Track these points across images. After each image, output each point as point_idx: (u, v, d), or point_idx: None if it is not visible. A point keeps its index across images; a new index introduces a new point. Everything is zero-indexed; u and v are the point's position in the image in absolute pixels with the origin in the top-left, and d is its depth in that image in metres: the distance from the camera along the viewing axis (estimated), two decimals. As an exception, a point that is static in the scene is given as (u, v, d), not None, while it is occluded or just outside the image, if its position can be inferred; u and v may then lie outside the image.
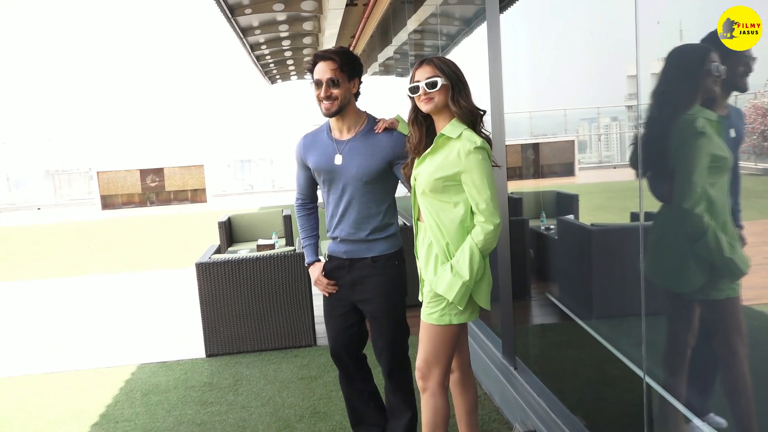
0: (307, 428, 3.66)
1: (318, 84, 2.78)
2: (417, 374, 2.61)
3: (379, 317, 2.90)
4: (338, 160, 2.83)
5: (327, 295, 3.01)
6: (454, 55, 5.44)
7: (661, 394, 2.30)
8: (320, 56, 2.80)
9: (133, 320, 6.40)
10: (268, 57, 12.37)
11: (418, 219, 2.63)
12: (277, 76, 15.72)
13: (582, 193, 3.43)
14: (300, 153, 3.00)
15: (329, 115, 2.81)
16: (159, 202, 20.82)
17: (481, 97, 3.78)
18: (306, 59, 13.22)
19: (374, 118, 2.92)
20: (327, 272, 2.98)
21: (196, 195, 21.02)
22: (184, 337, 5.65)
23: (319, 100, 2.79)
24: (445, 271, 2.45)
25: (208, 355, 5.01)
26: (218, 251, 5.86)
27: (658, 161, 2.21)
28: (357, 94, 2.89)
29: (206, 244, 10.13)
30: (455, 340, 2.56)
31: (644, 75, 2.25)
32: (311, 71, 2.82)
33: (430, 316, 2.54)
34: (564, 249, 3.43)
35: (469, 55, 5.13)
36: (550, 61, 3.60)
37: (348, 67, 2.79)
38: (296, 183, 3.12)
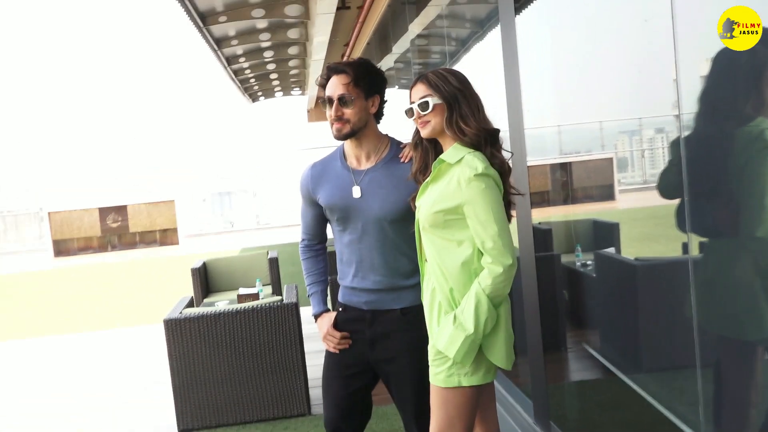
0: None
1: (328, 102, 2.79)
2: (429, 448, 2.58)
3: (405, 380, 2.85)
4: (356, 192, 2.81)
5: (336, 351, 2.97)
6: (466, 63, 5.50)
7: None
8: (332, 69, 2.81)
9: (90, 388, 6.35)
10: (248, 71, 12.50)
11: (425, 260, 2.62)
12: (259, 93, 15.86)
13: (624, 220, 3.42)
14: (307, 186, 2.98)
15: (340, 137, 2.81)
16: (122, 246, 20.88)
17: (497, 111, 3.80)
18: (292, 72, 13.37)
19: (398, 143, 2.90)
20: (340, 324, 2.95)
21: (166, 236, 21.08)
22: (151, 408, 5.59)
23: (330, 121, 2.80)
24: (447, 322, 2.44)
25: (181, 430, 4.96)
26: (191, 304, 5.85)
27: (710, 184, 2.20)
28: (379, 114, 2.88)
29: (177, 294, 10.12)
30: (472, 405, 2.53)
31: (687, 78, 2.26)
32: (324, 87, 2.84)
33: (436, 377, 2.52)
34: (604, 289, 3.42)
35: (483, 61, 5.18)
36: (579, 65, 3.63)
37: (365, 81, 2.79)
38: (301, 222, 3.11)
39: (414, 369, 2.82)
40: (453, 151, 2.48)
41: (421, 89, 2.52)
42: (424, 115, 2.50)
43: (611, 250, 3.41)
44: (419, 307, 2.79)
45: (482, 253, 2.44)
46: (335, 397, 2.97)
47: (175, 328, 4.89)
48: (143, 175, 24.92)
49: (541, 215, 4.18)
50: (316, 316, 3.04)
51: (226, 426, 4.96)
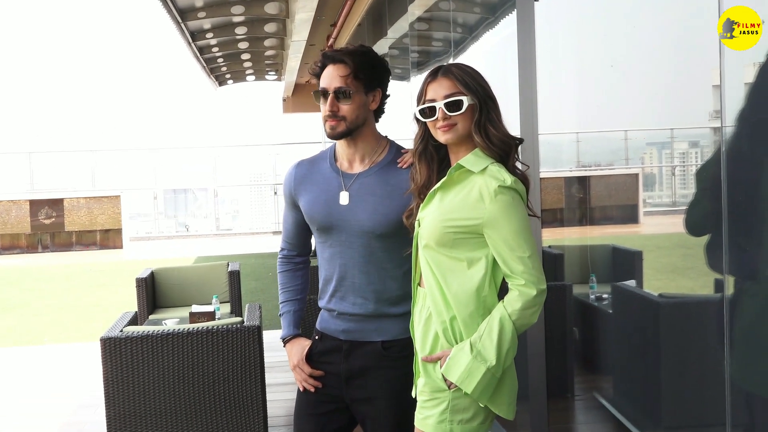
0: None
1: (323, 95, 2.80)
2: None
3: (381, 426, 2.86)
4: (344, 199, 2.83)
5: (302, 389, 2.98)
6: (473, 54, 5.52)
7: None
8: (329, 57, 2.82)
9: (7, 415, 6.30)
10: (215, 49, 12.51)
11: (418, 284, 2.62)
12: (228, 76, 15.87)
13: (648, 248, 3.45)
14: (290, 187, 3.01)
15: (334, 137, 2.83)
16: (55, 247, 20.75)
17: (508, 113, 3.82)
18: (268, 53, 13.39)
19: (399, 147, 2.92)
20: (314, 356, 2.96)
21: (108, 238, 20.97)
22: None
23: (323, 117, 2.81)
24: (461, 352, 2.42)
25: (114, 469, 4.92)
26: (134, 321, 5.82)
27: (757, 215, 2.21)
28: (379, 111, 2.91)
29: (118, 308, 10.08)
30: (463, 457, 2.53)
31: (732, 84, 2.28)
32: (318, 76, 2.85)
33: (425, 422, 2.51)
34: (621, 329, 3.43)
35: (494, 53, 5.20)
36: (604, 64, 3.65)
37: (366, 73, 2.81)
38: (282, 227, 3.14)
39: (392, 413, 2.83)
40: (474, 158, 2.46)
41: (446, 85, 2.48)
42: (453, 116, 2.47)
43: (632, 282, 3.43)
44: (405, 342, 2.79)
45: (494, 279, 2.46)
46: None
47: (113, 348, 4.86)
48: (84, 164, 24.75)
49: (552, 237, 4.19)
50: (285, 341, 3.04)
51: (167, 468, 4.93)
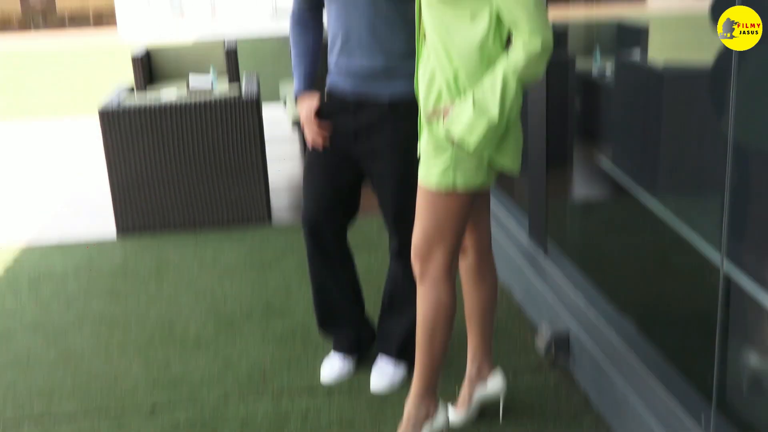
0: (258, 328, 3.78)
1: None
2: (413, 255, 2.65)
3: (389, 179, 2.96)
4: None
5: (310, 146, 3.07)
6: None
7: (744, 290, 2.36)
8: None
9: (13, 187, 6.43)
10: None
11: (424, 37, 2.58)
12: None
13: (654, 25, 3.39)
14: None
15: None
16: (48, 27, 20.41)
17: None
18: None
19: None
20: (323, 115, 3.02)
21: (102, 19, 20.58)
22: (86, 209, 5.71)
23: None
24: (464, 107, 2.40)
25: (121, 232, 5.07)
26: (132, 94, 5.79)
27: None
28: None
29: (115, 86, 10.05)
30: (465, 210, 2.57)
31: None
32: None
33: (427, 177, 2.53)
34: (624, 99, 3.43)
35: None
36: None
37: None
38: None
39: (397, 167, 2.92)
40: None
41: None
42: None
43: (636, 56, 3.40)
44: (410, 103, 2.79)
45: (499, 34, 2.39)
46: (314, 192, 3.08)
47: (112, 121, 4.87)
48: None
49: (555, 13, 4.13)
50: (298, 97, 3.09)
51: (172, 231, 5.08)
